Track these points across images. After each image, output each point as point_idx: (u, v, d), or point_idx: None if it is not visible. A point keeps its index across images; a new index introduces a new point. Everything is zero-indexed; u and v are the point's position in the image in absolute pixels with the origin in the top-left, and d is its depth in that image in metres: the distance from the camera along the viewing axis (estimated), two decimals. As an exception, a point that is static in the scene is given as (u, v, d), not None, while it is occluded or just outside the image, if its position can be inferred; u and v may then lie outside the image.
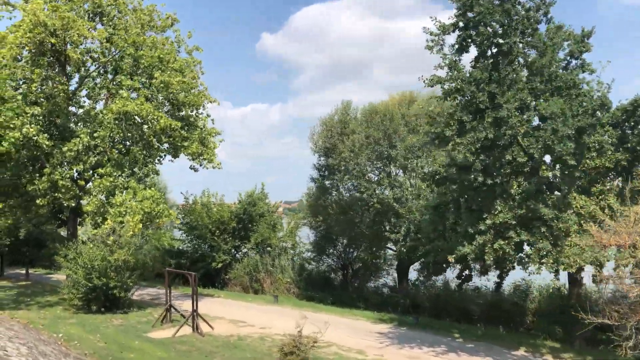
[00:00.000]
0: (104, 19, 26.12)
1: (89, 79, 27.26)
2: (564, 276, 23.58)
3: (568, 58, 16.71)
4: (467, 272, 20.83)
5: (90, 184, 24.66)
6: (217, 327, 20.97)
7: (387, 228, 28.52)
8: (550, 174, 16.01)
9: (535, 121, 15.84)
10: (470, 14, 15.72)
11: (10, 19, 26.02)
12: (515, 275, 26.74)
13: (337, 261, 36.39)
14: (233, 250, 37.55)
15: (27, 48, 22.88)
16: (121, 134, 23.32)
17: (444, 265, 20.91)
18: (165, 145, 26.71)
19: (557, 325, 21.30)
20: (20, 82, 23.88)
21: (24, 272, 40.26)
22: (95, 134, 23.59)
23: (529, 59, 15.23)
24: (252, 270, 35.34)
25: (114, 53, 25.77)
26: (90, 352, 16.42)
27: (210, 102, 26.84)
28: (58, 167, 23.92)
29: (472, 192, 15.55)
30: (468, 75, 15.18)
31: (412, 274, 32.99)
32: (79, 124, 26.69)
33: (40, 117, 23.56)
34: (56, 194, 24.01)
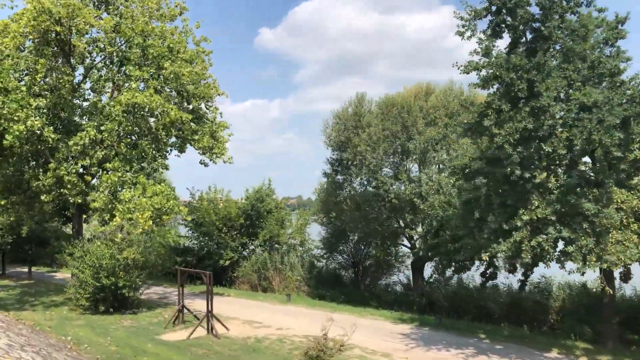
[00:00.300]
0: (110, 7, 25.13)
1: (94, 70, 26.28)
2: (588, 273, 22.82)
3: (601, 45, 15.81)
4: (491, 269, 19.93)
5: (97, 179, 23.68)
6: (232, 328, 20.11)
7: (402, 224, 27.70)
8: (587, 167, 15.16)
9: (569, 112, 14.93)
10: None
11: (12, 8, 25.06)
12: (534, 273, 25.95)
13: (347, 258, 35.52)
14: (240, 247, 36.67)
15: (30, 37, 21.90)
16: (130, 127, 22.35)
17: (468, 263, 20.04)
18: (172, 139, 25.78)
19: (584, 324, 20.47)
20: (24, 73, 22.88)
21: (26, 270, 39.34)
22: (102, 127, 22.63)
23: (568, 45, 14.29)
24: (261, 267, 34.46)
25: (120, 43, 24.75)
26: (103, 358, 15.54)
27: (219, 94, 25.89)
28: (63, 162, 22.96)
29: (506, 186, 14.67)
30: (506, 61, 14.25)
31: (426, 272, 32.21)
32: (84, 117, 25.75)
33: (45, 110, 22.57)
34: (62, 190, 23.06)
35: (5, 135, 20.43)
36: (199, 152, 24.94)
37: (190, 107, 24.71)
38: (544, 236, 14.21)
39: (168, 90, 23.75)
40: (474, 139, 15.74)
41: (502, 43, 16.36)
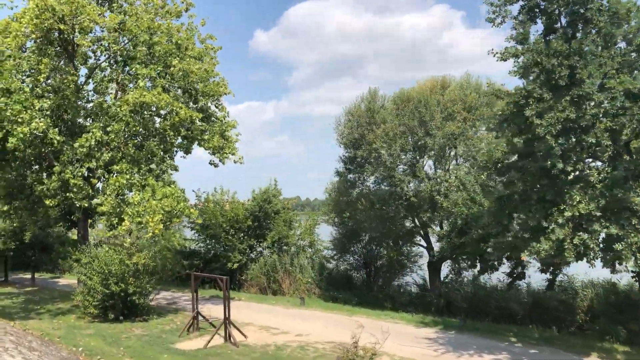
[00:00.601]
0: (114, 4, 24.24)
1: (98, 70, 25.36)
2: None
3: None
4: (519, 269, 19.09)
5: (104, 182, 22.77)
6: (249, 334, 19.25)
7: (419, 223, 26.86)
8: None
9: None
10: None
11: (12, 8, 24.11)
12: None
13: (358, 259, 34.62)
14: (248, 249, 35.80)
15: (33, 36, 20.98)
16: (137, 128, 21.44)
17: (496, 263, 19.19)
18: (179, 140, 24.85)
19: (617, 325, 19.63)
20: (26, 74, 21.97)
21: (28, 276, 38.37)
22: (108, 129, 21.72)
23: (608, 29, 13.45)
24: (270, 270, 33.54)
25: (123, 42, 23.80)
26: (119, 370, 14.65)
27: (226, 93, 24.96)
28: (69, 164, 22.04)
29: (545, 181, 13.82)
30: (546, 46, 13.40)
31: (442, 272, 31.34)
32: (88, 119, 24.84)
33: (48, 112, 21.65)
34: (67, 194, 22.13)
35: (8, 137, 19.49)
36: (209, 152, 24.03)
37: (198, 106, 23.81)
38: (586, 233, 13.35)
39: (175, 88, 22.83)
40: (509, 132, 14.85)
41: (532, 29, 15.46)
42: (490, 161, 15.85)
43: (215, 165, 24.55)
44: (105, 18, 22.30)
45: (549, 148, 12.94)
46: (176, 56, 22.08)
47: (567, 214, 13.26)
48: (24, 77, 21.59)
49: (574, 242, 13.31)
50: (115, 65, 24.50)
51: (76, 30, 21.78)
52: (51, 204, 23.02)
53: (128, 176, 21.11)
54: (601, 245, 14.15)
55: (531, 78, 13.71)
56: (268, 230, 35.46)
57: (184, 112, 21.31)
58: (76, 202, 22.35)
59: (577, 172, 13.73)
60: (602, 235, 13.91)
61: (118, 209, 21.25)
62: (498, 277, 28.88)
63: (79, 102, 24.02)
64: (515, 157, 15.73)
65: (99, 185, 24.21)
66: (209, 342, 17.66)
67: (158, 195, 20.92)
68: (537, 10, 14.42)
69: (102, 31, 23.84)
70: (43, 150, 22.80)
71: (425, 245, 28.17)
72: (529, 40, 14.32)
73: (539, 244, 13.39)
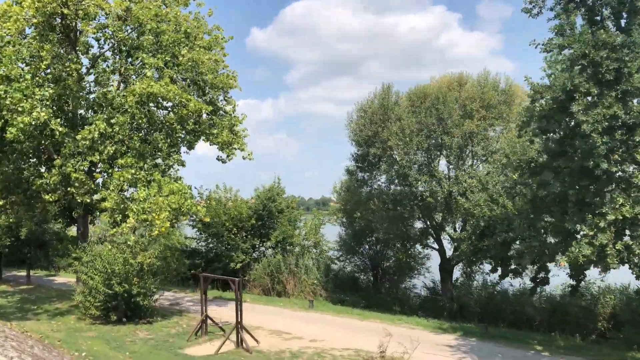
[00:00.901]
0: (119, -10, 23.12)
1: (101, 60, 24.27)
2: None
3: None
4: (542, 274, 18.23)
5: (107, 177, 21.69)
6: (260, 339, 18.25)
7: (433, 224, 26.00)
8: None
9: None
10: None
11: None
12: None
13: (364, 260, 33.72)
14: (251, 249, 34.82)
15: (34, 21, 19.87)
16: (144, 120, 20.39)
17: (520, 268, 18.32)
18: (182, 134, 23.77)
19: (644, 333, 18.78)
20: (26, 62, 20.85)
21: (22, 274, 37.17)
22: (112, 120, 20.65)
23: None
24: (275, 270, 32.53)
25: (127, 31, 22.69)
26: (127, 378, 13.64)
27: (234, 87, 23.92)
28: (70, 158, 20.96)
29: (586, 182, 12.95)
30: (592, 38, 12.51)
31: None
32: (90, 111, 23.77)
33: (49, 101, 20.54)
34: (69, 189, 21.06)
35: (7, 128, 18.38)
36: (217, 148, 22.98)
37: (207, 98, 22.78)
38: (630, 239, 12.51)
39: (183, 80, 21.79)
40: (543, 130, 13.96)
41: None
42: (523, 160, 14.94)
43: (223, 162, 23.53)
44: (111, 4, 21.21)
45: (593, 147, 12.08)
46: (185, 45, 21.06)
47: (610, 217, 12.40)
48: (24, 65, 20.47)
49: (617, 248, 12.46)
50: (119, 55, 23.39)
51: (79, 16, 20.69)
52: (51, 199, 21.95)
53: (133, 171, 20.06)
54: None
55: (575, 72, 12.78)
56: (272, 230, 34.52)
57: (194, 104, 20.29)
58: (77, 198, 21.27)
59: (621, 173, 12.88)
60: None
61: (122, 205, 20.20)
62: (509, 281, 28.11)
63: (81, 93, 22.89)
64: (545, 157, 14.85)
65: (106, 179, 23.20)
66: (220, 347, 16.68)
67: (164, 192, 19.89)
68: (577, 0, 13.55)
69: (106, 18, 22.72)
70: (43, 142, 21.72)
71: (437, 247, 27.27)
72: (574, 30, 13.41)
73: (579, 249, 12.52)
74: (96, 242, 24.22)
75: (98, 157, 20.78)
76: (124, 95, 21.13)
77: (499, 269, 19.21)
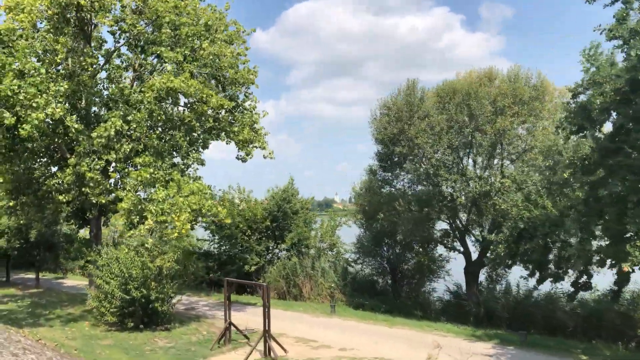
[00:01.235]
0: (135, -17, 22.19)
1: (115, 55, 23.31)
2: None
3: None
4: (585, 278, 17.22)
5: (124, 176, 20.71)
6: (287, 348, 17.24)
7: (458, 226, 24.98)
8: None
9: None
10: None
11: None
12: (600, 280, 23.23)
13: (381, 263, 32.64)
14: (266, 251, 33.86)
15: (49, 12, 18.95)
16: (162, 117, 19.43)
17: (561, 272, 17.30)
18: (200, 132, 22.77)
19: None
20: (39, 56, 19.90)
21: (30, 276, 36.27)
22: (129, 117, 19.70)
23: None
24: (290, 273, 31.56)
25: (146, 24, 21.73)
26: (153, 393, 12.67)
27: (253, 83, 22.88)
28: (85, 157, 20.01)
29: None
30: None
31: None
32: (103, 108, 22.80)
33: (62, 98, 19.58)
34: (83, 189, 20.11)
35: (22, 125, 17.39)
36: (237, 146, 21.96)
37: (227, 94, 21.79)
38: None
39: (204, 74, 20.79)
40: (599, 124, 12.99)
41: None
42: (578, 157, 13.94)
43: (243, 160, 22.51)
44: (129, -5, 20.30)
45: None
46: (206, 38, 20.08)
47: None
48: (36, 60, 19.52)
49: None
50: (134, 51, 22.42)
51: (95, 8, 19.75)
52: (64, 200, 21.00)
53: (152, 170, 19.09)
54: None
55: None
56: (287, 232, 33.57)
57: (215, 100, 19.32)
58: (92, 198, 20.33)
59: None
60: None
61: (139, 206, 19.23)
62: (534, 285, 27.05)
63: (95, 89, 21.96)
64: (596, 155, 13.85)
65: (115, 180, 22.26)
66: (247, 357, 15.68)
67: (184, 192, 18.94)
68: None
69: (122, 11, 21.78)
70: (56, 140, 20.79)
71: (462, 249, 26.24)
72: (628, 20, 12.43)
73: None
74: (108, 244, 23.21)
75: (114, 156, 19.82)
76: (141, 91, 20.18)
77: (537, 272, 18.16)
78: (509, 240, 17.85)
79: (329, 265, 31.40)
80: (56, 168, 23.93)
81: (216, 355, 16.64)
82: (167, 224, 18.85)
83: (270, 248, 34.38)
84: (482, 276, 27.88)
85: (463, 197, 21.31)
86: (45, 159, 24.00)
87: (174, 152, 20.45)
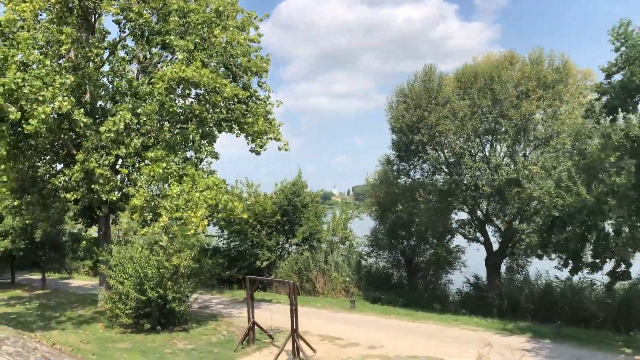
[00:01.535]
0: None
1: (119, 47, 22.33)
2: None
3: None
4: (622, 268, 16.46)
5: (134, 172, 19.82)
6: (314, 347, 16.45)
7: (476, 216, 24.21)
8: None
9: None
10: None
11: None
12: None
13: (395, 255, 31.87)
14: (277, 246, 33.06)
15: (51, 1, 17.98)
16: (175, 108, 18.52)
17: (599, 262, 16.52)
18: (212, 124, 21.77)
19: None
20: (42, 48, 18.91)
21: (35, 277, 35.42)
22: (138, 110, 18.78)
23: None
24: (303, 268, 30.78)
25: (152, 13, 20.75)
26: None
27: (266, 71, 21.93)
28: (93, 152, 19.09)
29: None
30: None
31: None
32: (109, 102, 21.86)
33: (67, 91, 18.61)
34: (93, 186, 19.21)
35: (24, 120, 16.43)
36: (250, 138, 21.03)
37: (239, 84, 20.84)
38: None
39: (215, 63, 19.84)
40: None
41: None
42: (631, 138, 13.09)
43: (257, 153, 21.59)
44: (134, -18, 19.31)
45: None
46: (217, 25, 19.12)
47: None
48: (38, 52, 18.55)
49: None
50: (140, 41, 21.44)
51: (100, -3, 18.78)
52: (72, 198, 20.10)
53: (164, 165, 18.20)
54: None
55: None
56: (298, 226, 32.78)
57: (230, 90, 18.40)
58: (102, 195, 19.43)
59: None
60: None
61: (152, 203, 18.35)
62: (556, 274, 26.34)
63: (100, 82, 21.02)
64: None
65: (122, 175, 21.37)
66: (276, 359, 14.89)
67: (200, 187, 18.06)
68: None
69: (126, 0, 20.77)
70: (62, 136, 19.87)
71: (482, 240, 25.46)
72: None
73: None
74: (120, 242, 22.36)
75: (124, 151, 18.91)
76: (149, 83, 19.25)
77: (570, 262, 17.40)
78: (542, 229, 17.07)
79: (342, 259, 30.65)
80: (61, 165, 23.04)
81: (241, 357, 15.88)
82: (182, 221, 17.98)
83: (280, 243, 33.63)
84: (502, 267, 27.17)
85: (487, 186, 20.46)
86: (49, 156, 23.10)
87: (187, 146, 19.53)
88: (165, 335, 18.54)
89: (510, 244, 24.45)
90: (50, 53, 18.43)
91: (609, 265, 17.35)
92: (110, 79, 22.78)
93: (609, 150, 14.23)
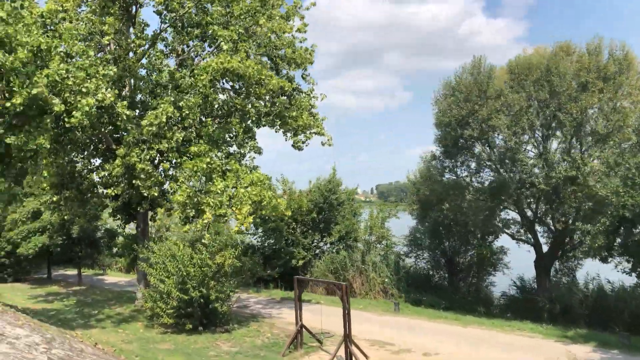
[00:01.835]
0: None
1: (159, 39, 21.80)
2: None
3: None
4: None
5: (176, 167, 19.25)
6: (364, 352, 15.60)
7: (525, 215, 23.05)
8: None
9: None
10: None
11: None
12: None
13: (435, 256, 30.75)
14: (314, 245, 32.33)
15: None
16: (219, 101, 17.87)
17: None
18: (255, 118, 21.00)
19: None
20: (84, 39, 18.48)
21: (70, 273, 35.43)
22: (180, 103, 18.18)
23: None
24: (340, 268, 29.96)
25: (192, 3, 20.12)
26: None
27: (311, 63, 21.10)
28: (134, 147, 18.57)
29: None
30: None
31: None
32: (149, 95, 21.34)
33: (110, 83, 18.12)
34: (134, 182, 18.70)
35: (72, 113, 15.93)
36: (288, 134, 20.25)
37: (283, 76, 20.07)
38: None
39: (259, 54, 19.11)
40: None
41: None
42: None
43: (300, 149, 20.81)
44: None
45: None
46: (262, 14, 18.40)
47: None
48: (86, 40, 18.12)
49: None
50: (182, 32, 20.85)
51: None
52: (112, 194, 19.66)
53: (208, 160, 17.55)
54: None
55: None
56: (333, 224, 31.98)
57: (276, 82, 17.65)
58: (143, 191, 18.90)
59: None
60: None
61: (195, 199, 17.72)
62: (605, 277, 25.00)
63: (140, 74, 20.52)
64: None
65: (163, 170, 20.83)
66: (328, 365, 14.11)
67: (245, 182, 17.37)
68: None
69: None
70: (103, 130, 19.42)
71: (532, 241, 24.24)
72: None
73: None
74: (160, 239, 21.89)
75: (166, 145, 18.34)
76: (191, 76, 18.63)
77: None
78: (608, 230, 15.91)
79: (379, 259, 29.75)
80: (100, 160, 22.70)
81: (291, 362, 15.11)
82: (226, 218, 17.32)
83: (316, 241, 32.88)
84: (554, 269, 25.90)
85: (544, 184, 19.29)
86: (87, 152, 22.77)
87: (230, 140, 18.88)
88: (208, 336, 17.94)
89: (563, 246, 23.21)
90: (93, 44, 17.94)
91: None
92: (149, 72, 22.33)
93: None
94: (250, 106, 19.08)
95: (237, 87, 18.90)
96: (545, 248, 24.54)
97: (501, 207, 22.75)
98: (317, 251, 32.69)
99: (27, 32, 13.97)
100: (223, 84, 19.63)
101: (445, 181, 24.49)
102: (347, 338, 14.47)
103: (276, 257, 32.03)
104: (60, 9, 17.72)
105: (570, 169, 19.20)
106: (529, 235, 24.06)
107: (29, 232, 28.40)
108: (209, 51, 20.53)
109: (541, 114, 20.27)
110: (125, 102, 17.38)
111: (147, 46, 20.42)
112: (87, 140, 21.21)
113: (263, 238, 33.43)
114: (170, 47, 22.25)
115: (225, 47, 17.54)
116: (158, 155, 19.35)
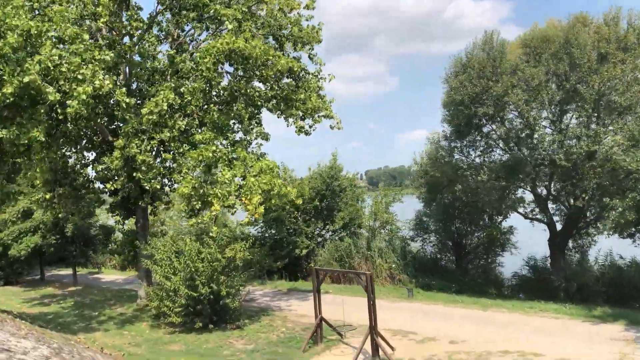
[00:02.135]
0: None
1: (155, 24, 20.57)
2: None
3: None
4: None
5: (180, 157, 18.13)
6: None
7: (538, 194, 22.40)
8: None
9: None
10: None
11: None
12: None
13: (441, 239, 30.10)
14: (317, 233, 31.51)
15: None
16: (225, 85, 16.79)
17: None
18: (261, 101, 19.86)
19: None
20: (77, 22, 17.19)
21: (64, 273, 34.16)
22: (182, 89, 17.08)
23: None
24: (345, 255, 29.25)
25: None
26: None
27: (319, 42, 19.94)
28: (133, 137, 17.46)
29: None
30: None
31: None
32: (146, 82, 20.08)
33: (106, 69, 16.92)
34: (134, 174, 17.61)
35: (65, 102, 14.76)
36: (299, 117, 19.23)
37: (289, 56, 18.96)
38: None
39: (263, 34, 17.99)
40: None
41: None
42: None
43: (307, 133, 19.80)
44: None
45: None
46: (266, -9, 17.31)
47: None
48: (80, 24, 16.85)
49: None
50: (179, 15, 19.64)
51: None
52: (112, 188, 18.56)
53: (214, 148, 16.51)
54: None
55: None
56: (336, 211, 31.15)
57: (285, 62, 16.61)
58: (144, 184, 17.84)
59: None
60: None
61: (201, 190, 16.69)
62: (618, 253, 24.60)
63: (136, 60, 19.32)
64: None
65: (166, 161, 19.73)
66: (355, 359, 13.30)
67: (254, 171, 16.39)
68: None
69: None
70: (99, 120, 18.26)
71: (545, 219, 23.64)
72: None
73: None
74: (165, 234, 20.88)
75: (167, 134, 17.24)
76: (191, 60, 17.52)
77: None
78: (639, 205, 15.27)
79: (384, 244, 29.07)
80: (94, 154, 21.52)
81: (311, 357, 14.29)
82: (235, 209, 16.37)
83: (318, 230, 32.07)
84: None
85: (565, 160, 18.58)
86: (80, 145, 21.55)
87: (236, 127, 17.85)
88: (219, 334, 17.04)
89: (577, 223, 22.66)
90: (85, 28, 16.72)
91: None
92: (144, 58, 21.07)
93: None
94: (254, 90, 18.01)
95: (239, 69, 17.79)
96: (559, 226, 23.96)
97: (516, 185, 22.04)
98: (320, 239, 31.93)
99: (16, 15, 12.75)
100: (221, 68, 18.49)
101: (455, 162, 23.72)
102: (373, 330, 13.67)
103: (278, 248, 31.18)
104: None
105: (593, 144, 18.53)
106: (543, 214, 23.42)
107: (20, 233, 27.13)
108: (208, 34, 19.36)
109: (561, 88, 19.51)
110: (124, 90, 16.24)
111: (144, 29, 19.20)
112: (81, 133, 19.97)
113: (264, 228, 32.53)
114: (165, 32, 21.08)
115: (230, 27, 16.40)
116: (160, 145, 18.23)
